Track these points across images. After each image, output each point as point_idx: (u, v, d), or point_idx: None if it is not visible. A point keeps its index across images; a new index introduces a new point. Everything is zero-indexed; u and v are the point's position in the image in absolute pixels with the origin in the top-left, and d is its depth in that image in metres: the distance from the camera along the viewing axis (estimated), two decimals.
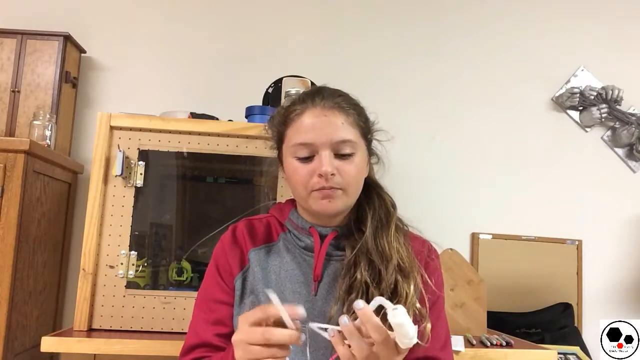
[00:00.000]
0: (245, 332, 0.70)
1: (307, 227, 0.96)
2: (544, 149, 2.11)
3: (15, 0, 1.96)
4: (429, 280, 0.92)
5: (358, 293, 0.87)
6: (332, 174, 0.87)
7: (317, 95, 0.92)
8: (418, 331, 0.85)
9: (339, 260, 0.94)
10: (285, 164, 0.94)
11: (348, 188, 0.90)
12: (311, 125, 0.89)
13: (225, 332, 0.91)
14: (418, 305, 0.88)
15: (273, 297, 0.68)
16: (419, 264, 0.93)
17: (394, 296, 0.87)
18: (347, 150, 0.89)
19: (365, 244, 0.91)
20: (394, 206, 0.98)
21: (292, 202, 1.02)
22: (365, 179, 0.98)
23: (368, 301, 0.85)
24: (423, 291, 0.90)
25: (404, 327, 0.67)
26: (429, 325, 0.88)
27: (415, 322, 0.86)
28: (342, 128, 0.89)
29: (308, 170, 0.89)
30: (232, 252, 0.96)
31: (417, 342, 0.85)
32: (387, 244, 0.91)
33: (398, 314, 0.67)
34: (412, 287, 0.88)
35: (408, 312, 0.84)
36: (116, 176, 1.39)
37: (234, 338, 0.71)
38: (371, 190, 0.99)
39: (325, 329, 0.71)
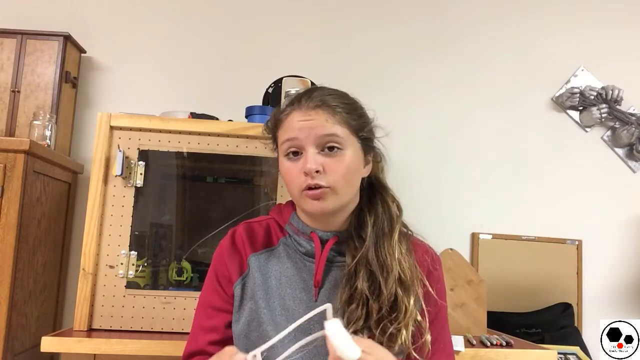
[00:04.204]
0: None
1: (308, 232, 0.94)
2: (544, 149, 2.11)
3: (15, 0, 1.96)
4: (431, 291, 0.91)
5: (358, 304, 0.86)
6: (316, 171, 0.86)
7: (304, 96, 0.92)
8: (417, 346, 0.86)
9: (340, 266, 0.93)
10: (280, 164, 0.94)
11: (336, 186, 0.88)
12: (297, 124, 0.89)
13: (218, 339, 0.91)
14: (419, 318, 0.87)
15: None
16: (421, 273, 0.91)
17: (394, 309, 0.86)
18: (332, 145, 0.88)
19: (366, 253, 0.89)
20: (399, 210, 0.96)
21: (292, 205, 1.00)
22: (370, 179, 0.98)
23: (368, 314, 0.85)
24: (423, 303, 0.89)
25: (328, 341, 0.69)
26: (428, 337, 0.87)
27: (415, 335, 0.87)
28: (327, 125, 0.88)
29: (297, 170, 0.89)
30: (230, 257, 0.95)
31: (417, 357, 0.85)
32: (388, 255, 0.89)
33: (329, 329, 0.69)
34: (412, 300, 0.87)
35: (407, 325, 0.85)
36: (116, 176, 1.39)
37: None
38: (376, 194, 0.97)
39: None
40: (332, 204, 0.89)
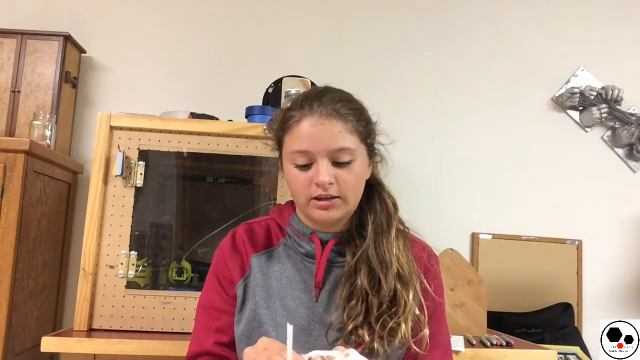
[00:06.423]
0: None
1: (308, 233, 0.94)
2: (544, 149, 2.11)
3: (15, 0, 1.96)
4: (428, 287, 0.91)
5: (358, 300, 0.87)
6: (330, 183, 0.86)
7: (315, 100, 0.89)
8: (416, 340, 0.86)
9: (340, 266, 0.93)
10: (285, 170, 0.93)
11: (347, 196, 0.88)
12: (308, 133, 0.87)
13: (225, 341, 0.91)
14: (417, 312, 0.88)
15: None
16: (418, 270, 0.92)
17: (393, 304, 0.87)
18: (345, 159, 0.87)
19: (366, 251, 0.90)
20: (395, 207, 0.97)
21: (292, 205, 1.00)
22: (368, 179, 0.97)
23: (368, 309, 0.86)
24: (422, 298, 0.90)
25: None
26: (426, 332, 0.88)
27: (414, 329, 0.87)
28: (340, 136, 0.87)
29: (306, 179, 0.88)
30: (232, 259, 0.95)
31: (417, 350, 0.86)
32: (387, 251, 0.90)
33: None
34: (410, 294, 0.88)
35: (407, 320, 0.85)
36: (116, 176, 1.39)
37: None
38: (373, 192, 0.97)
39: None
40: (341, 214, 0.90)
